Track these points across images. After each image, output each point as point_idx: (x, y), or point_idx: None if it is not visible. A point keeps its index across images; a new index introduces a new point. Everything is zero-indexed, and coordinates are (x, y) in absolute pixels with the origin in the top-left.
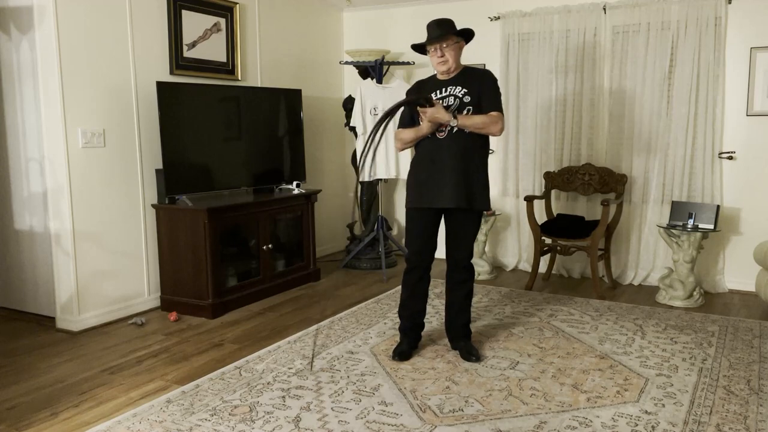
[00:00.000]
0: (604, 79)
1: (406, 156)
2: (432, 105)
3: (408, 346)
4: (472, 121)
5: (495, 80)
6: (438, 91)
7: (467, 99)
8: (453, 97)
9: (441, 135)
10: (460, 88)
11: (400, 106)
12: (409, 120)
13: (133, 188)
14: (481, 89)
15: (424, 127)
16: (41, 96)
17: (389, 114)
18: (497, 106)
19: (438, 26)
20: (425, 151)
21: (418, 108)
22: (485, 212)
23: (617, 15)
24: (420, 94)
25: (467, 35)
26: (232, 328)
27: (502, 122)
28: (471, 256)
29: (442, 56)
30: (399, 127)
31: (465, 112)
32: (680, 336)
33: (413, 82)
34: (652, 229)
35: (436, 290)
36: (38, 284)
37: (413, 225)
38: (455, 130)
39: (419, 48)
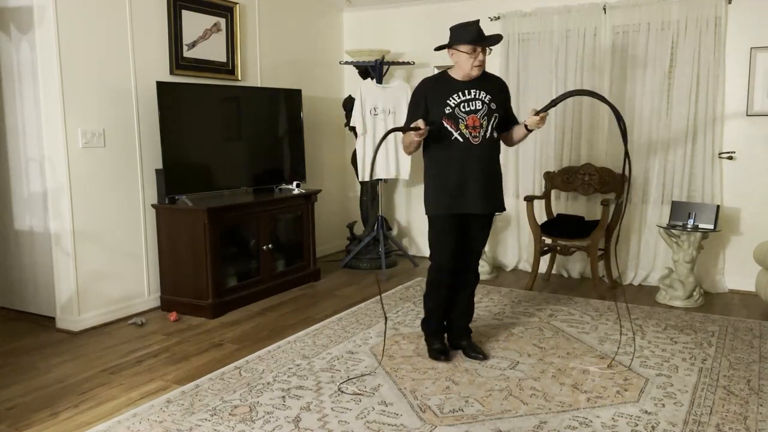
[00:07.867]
0: (604, 79)
1: (407, 156)
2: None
3: (443, 344)
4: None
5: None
6: (461, 93)
7: (493, 106)
8: (480, 102)
9: (476, 141)
10: (485, 93)
11: (400, 130)
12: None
13: (133, 188)
14: (505, 100)
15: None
16: (41, 96)
17: (391, 131)
18: (516, 120)
19: (480, 31)
20: (454, 157)
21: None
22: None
23: (617, 15)
24: (434, 93)
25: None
26: (232, 328)
27: None
28: (480, 257)
29: (482, 59)
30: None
31: (492, 119)
32: (680, 336)
33: (413, 82)
34: (652, 229)
35: None
36: (38, 284)
37: (445, 230)
38: (488, 135)
39: (444, 46)
